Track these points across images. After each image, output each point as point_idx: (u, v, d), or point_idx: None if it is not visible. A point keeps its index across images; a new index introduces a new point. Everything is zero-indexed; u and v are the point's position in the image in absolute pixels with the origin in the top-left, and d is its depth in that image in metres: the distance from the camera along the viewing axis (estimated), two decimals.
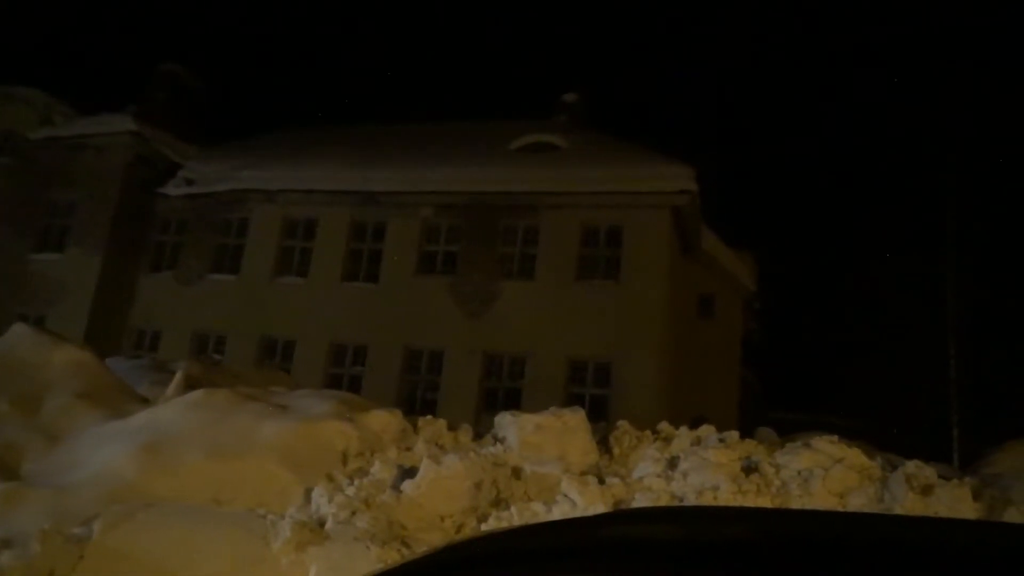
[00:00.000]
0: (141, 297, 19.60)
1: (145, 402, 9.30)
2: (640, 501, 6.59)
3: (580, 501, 6.40)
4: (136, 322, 19.46)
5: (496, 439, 8.09)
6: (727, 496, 6.58)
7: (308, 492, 6.68)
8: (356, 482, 6.70)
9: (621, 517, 2.85)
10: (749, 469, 7.20)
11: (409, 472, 6.74)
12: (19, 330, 9.95)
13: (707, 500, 6.54)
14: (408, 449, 7.64)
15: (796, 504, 6.65)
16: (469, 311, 17.11)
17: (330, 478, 6.82)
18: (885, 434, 14.29)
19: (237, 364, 14.03)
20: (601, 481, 6.92)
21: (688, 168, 16.66)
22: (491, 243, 17.40)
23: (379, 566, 5.24)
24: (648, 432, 8.88)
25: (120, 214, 19.50)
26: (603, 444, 8.50)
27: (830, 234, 34.11)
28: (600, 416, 13.61)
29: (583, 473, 7.13)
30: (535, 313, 16.47)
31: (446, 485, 6.41)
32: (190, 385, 9.36)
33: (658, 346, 15.94)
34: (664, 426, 9.08)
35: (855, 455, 7.32)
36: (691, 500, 6.62)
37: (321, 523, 6.05)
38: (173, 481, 6.97)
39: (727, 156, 42.67)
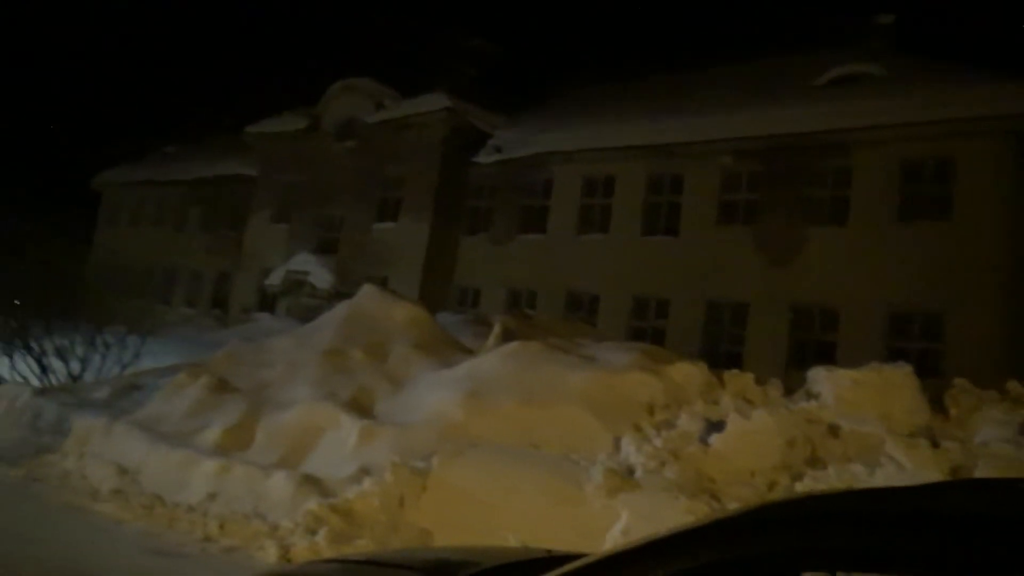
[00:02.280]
0: (462, 258, 21.59)
1: (469, 352, 10.27)
2: (984, 470, 5.83)
3: (909, 465, 5.84)
4: (459, 281, 21.50)
5: (809, 395, 7.66)
6: None
7: (617, 441, 6.92)
8: (663, 433, 6.79)
9: (967, 487, 2.50)
10: None
11: (716, 426, 6.67)
12: (368, 290, 11.57)
13: None
14: (714, 403, 7.54)
15: None
16: (774, 261, 16.29)
17: (637, 428, 6.99)
18: None
19: (547, 318, 14.86)
20: (934, 444, 6.24)
21: None
22: (796, 188, 16.31)
23: (689, 517, 5.29)
24: (993, 392, 7.80)
25: (441, 184, 21.57)
26: (935, 404, 7.64)
27: None
28: (929, 373, 12.20)
29: (911, 434, 6.49)
30: (849, 260, 15.17)
31: (755, 440, 6.24)
32: (506, 337, 10.14)
33: (1001, 294, 13.81)
34: (1014, 386, 7.90)
35: None
36: None
37: (630, 471, 6.24)
38: (493, 423, 7.65)
39: None
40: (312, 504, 6.48)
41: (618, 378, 7.97)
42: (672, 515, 5.55)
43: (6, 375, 12.58)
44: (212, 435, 8.33)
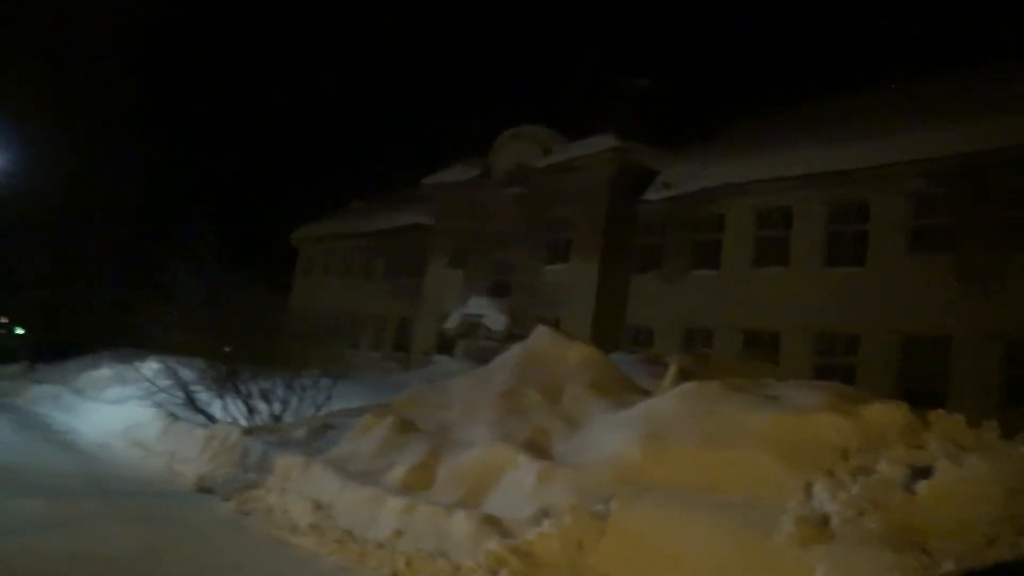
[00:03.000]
0: (633, 297, 21.38)
1: (644, 393, 10.09)
2: None
3: None
4: (631, 320, 21.28)
5: None
6: None
7: (807, 487, 6.48)
8: (860, 480, 6.28)
9: None
10: None
11: (921, 472, 6.07)
12: (541, 331, 11.73)
13: None
14: (918, 447, 6.88)
15: None
16: (979, 290, 14.79)
17: (830, 473, 6.51)
18: None
19: (723, 356, 14.34)
20: None
21: None
22: (1001, 209, 14.79)
23: (895, 574, 4.84)
24: None
25: (609, 223, 21.61)
26: None
27: None
28: None
29: None
30: None
31: (970, 489, 5.61)
32: (683, 377, 9.87)
33: None
34: None
35: None
36: None
37: (824, 521, 5.81)
38: (672, 467, 7.41)
39: None
40: (493, 544, 6.55)
41: (806, 420, 7.49)
42: (875, 570, 5.10)
43: (219, 415, 13.89)
44: (398, 474, 8.69)
